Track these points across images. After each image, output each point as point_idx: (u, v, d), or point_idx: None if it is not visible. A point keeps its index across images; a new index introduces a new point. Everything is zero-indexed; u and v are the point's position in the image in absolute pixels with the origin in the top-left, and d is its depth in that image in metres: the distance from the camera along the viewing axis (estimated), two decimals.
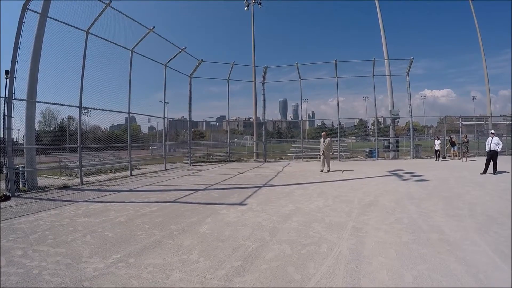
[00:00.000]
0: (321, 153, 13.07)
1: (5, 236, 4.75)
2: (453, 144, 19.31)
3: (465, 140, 18.62)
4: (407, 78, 20.92)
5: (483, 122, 25.04)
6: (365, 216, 5.43)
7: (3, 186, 9.09)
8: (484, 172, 11.11)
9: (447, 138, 20.51)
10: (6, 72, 8.92)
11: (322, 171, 12.86)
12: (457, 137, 21.10)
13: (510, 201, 6.39)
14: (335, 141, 20.13)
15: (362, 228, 4.71)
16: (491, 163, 11.12)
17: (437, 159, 18.68)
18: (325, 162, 12.97)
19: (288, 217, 5.52)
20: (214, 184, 10.20)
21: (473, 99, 73.54)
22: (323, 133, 13.28)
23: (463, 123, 22.93)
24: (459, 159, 18.70)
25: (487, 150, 11.51)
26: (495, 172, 10.97)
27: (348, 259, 3.49)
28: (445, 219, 5.09)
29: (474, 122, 23.89)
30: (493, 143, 11.15)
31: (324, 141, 12.83)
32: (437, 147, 18.70)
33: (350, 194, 7.70)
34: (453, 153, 19.50)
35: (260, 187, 9.28)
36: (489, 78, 27.90)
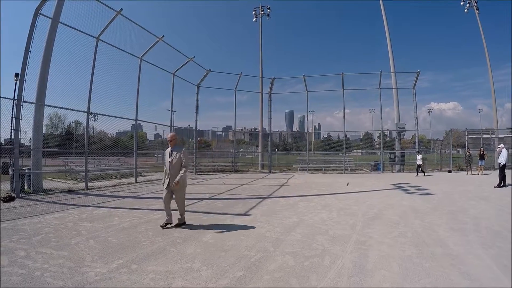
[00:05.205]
0: (165, 178, 5.49)
1: (9, 237, 4.81)
2: (481, 157, 17.79)
3: (468, 154, 18.31)
4: (414, 91, 20.94)
5: (489, 135, 24.81)
6: (369, 229, 5.39)
7: (8, 187, 9.18)
8: (498, 185, 11.01)
9: (470, 151, 18.77)
10: (16, 75, 9.07)
11: (166, 224, 5.48)
12: (462, 150, 20.35)
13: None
14: (343, 154, 19.74)
15: (365, 241, 4.67)
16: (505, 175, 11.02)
17: (418, 174, 17.64)
18: (174, 199, 5.51)
19: (292, 228, 5.49)
20: (219, 194, 10.19)
21: (479, 112, 73.35)
22: (171, 134, 5.63)
23: (469, 136, 22.75)
24: (471, 173, 17.64)
25: None
26: (499, 186, 10.87)
27: (351, 272, 3.45)
28: (449, 233, 5.04)
29: (480, 136, 23.66)
30: (500, 156, 11.10)
31: (171, 154, 5.44)
32: (419, 162, 17.78)
33: (354, 207, 7.64)
34: (480, 168, 17.84)
35: (264, 198, 9.24)
36: (495, 91, 27.66)
